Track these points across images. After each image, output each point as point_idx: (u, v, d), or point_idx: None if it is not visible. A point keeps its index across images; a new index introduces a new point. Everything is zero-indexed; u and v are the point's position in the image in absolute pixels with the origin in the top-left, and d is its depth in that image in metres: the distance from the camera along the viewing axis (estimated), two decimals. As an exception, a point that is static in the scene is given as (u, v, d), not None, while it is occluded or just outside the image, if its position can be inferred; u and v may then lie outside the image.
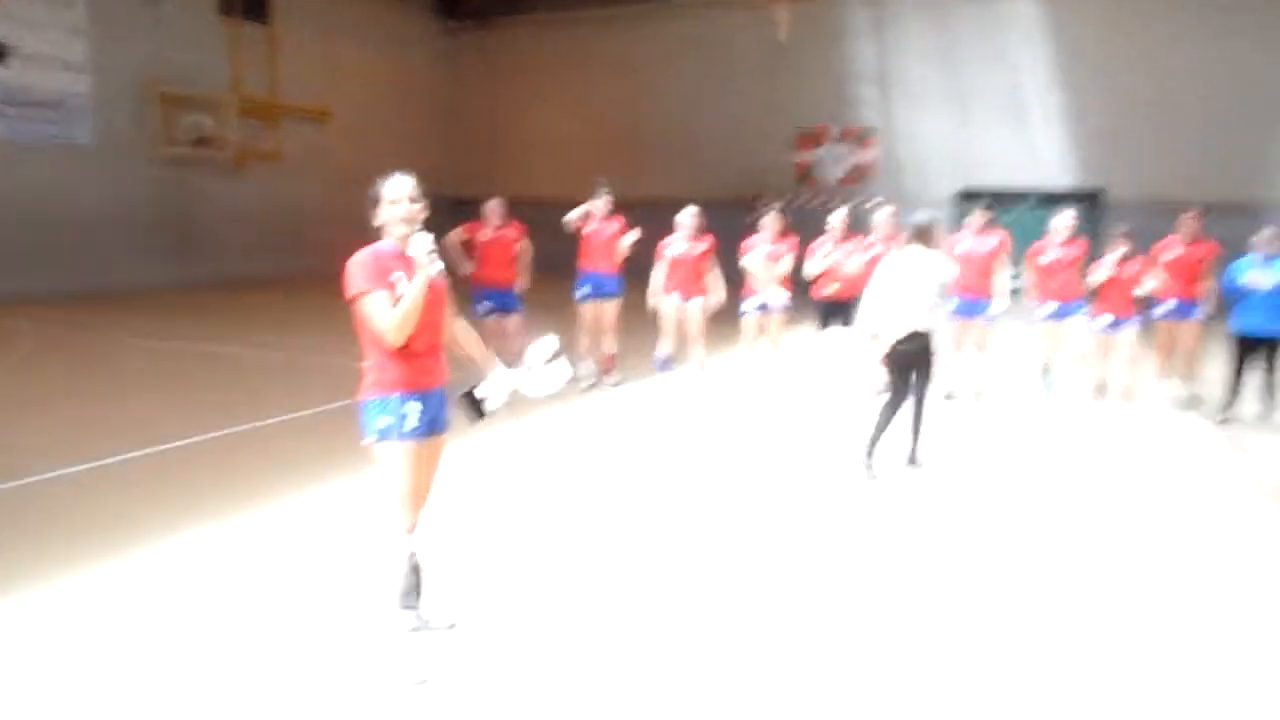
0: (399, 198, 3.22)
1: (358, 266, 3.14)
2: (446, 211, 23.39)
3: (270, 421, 6.97)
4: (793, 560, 4.44)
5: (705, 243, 8.34)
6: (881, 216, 7.86)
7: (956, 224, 13.93)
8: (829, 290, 8.17)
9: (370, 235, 3.28)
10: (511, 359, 3.61)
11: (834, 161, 20.42)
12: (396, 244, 3.22)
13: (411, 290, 3.11)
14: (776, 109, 20.22)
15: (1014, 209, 17.06)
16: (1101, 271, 7.87)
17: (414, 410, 3.20)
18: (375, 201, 3.25)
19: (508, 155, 22.89)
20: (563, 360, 3.43)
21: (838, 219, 8.25)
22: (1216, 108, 16.82)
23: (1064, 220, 8.11)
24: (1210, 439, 7.27)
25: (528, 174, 21.72)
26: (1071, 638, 3.68)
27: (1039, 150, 18.43)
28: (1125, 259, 7.85)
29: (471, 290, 8.35)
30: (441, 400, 3.30)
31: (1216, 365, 8.13)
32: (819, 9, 17.68)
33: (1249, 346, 7.58)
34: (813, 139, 20.53)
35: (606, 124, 21.74)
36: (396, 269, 3.16)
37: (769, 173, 20.25)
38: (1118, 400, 8.14)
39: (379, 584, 3.43)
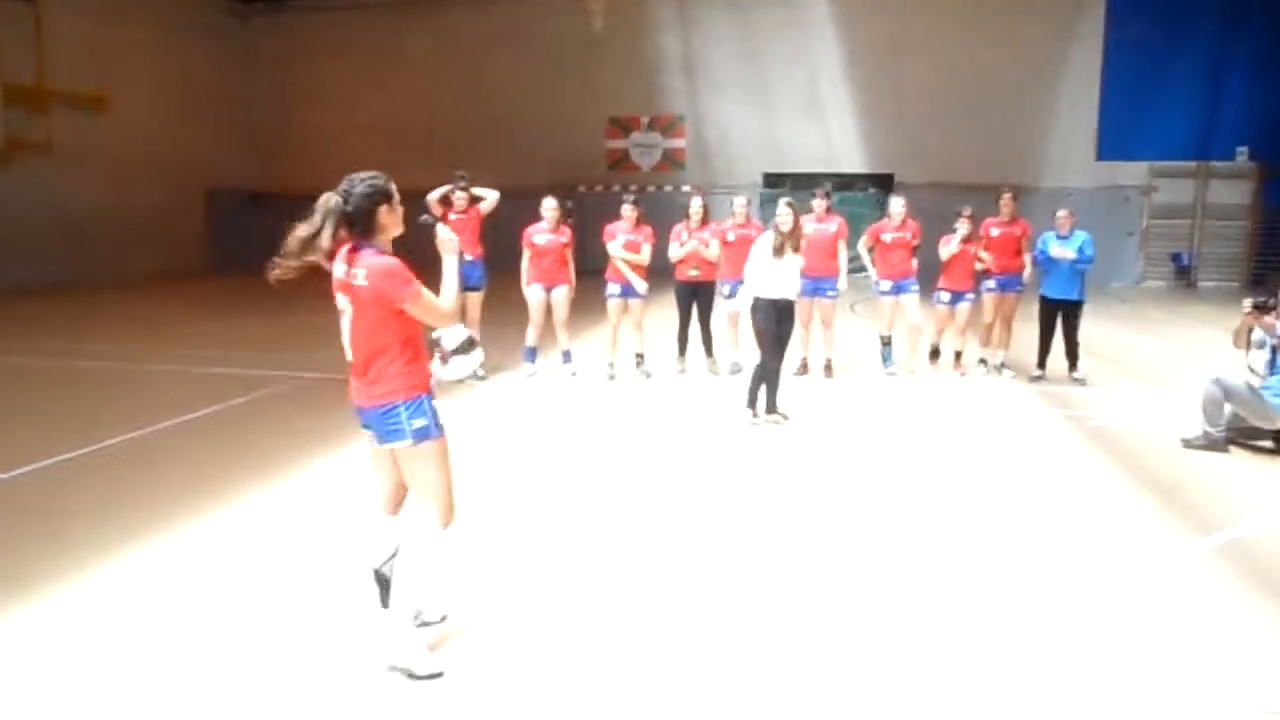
0: (398, 197, 3.19)
1: (398, 268, 3.10)
2: (238, 208, 22.20)
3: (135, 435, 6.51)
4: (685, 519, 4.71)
5: (566, 233, 8.51)
6: (740, 204, 8.41)
7: (761, 208, 14.84)
8: (691, 273, 8.59)
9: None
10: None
11: (646, 149, 20.98)
12: (382, 244, 3.18)
13: (452, 273, 3.24)
14: (588, 98, 20.52)
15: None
16: (949, 248, 8.69)
17: (436, 408, 3.24)
18: (380, 199, 3.16)
19: (306, 147, 21.89)
20: (476, 348, 3.48)
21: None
22: (990, 101, 18.71)
23: (898, 205, 8.84)
24: (1027, 394, 8.23)
25: (328, 166, 20.68)
26: (915, 588, 4.15)
27: (835, 138, 19.74)
28: (967, 238, 8.67)
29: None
30: None
31: (1029, 330, 9.14)
32: (628, 2, 18.08)
33: (1052, 310, 8.64)
34: (624, 127, 20.99)
35: (413, 112, 21.26)
36: None
37: (581, 161, 20.53)
38: (950, 367, 9.00)
39: (367, 579, 3.38)
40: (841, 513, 5.04)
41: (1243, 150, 18.56)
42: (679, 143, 20.76)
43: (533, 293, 8.54)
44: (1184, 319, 14.24)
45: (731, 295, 8.61)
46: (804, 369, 8.89)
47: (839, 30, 19.29)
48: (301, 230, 3.06)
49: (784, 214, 6.88)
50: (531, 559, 4.35)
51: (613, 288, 8.65)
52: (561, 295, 8.53)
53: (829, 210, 8.91)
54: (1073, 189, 16.72)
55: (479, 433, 6.68)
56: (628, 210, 8.62)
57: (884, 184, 19.34)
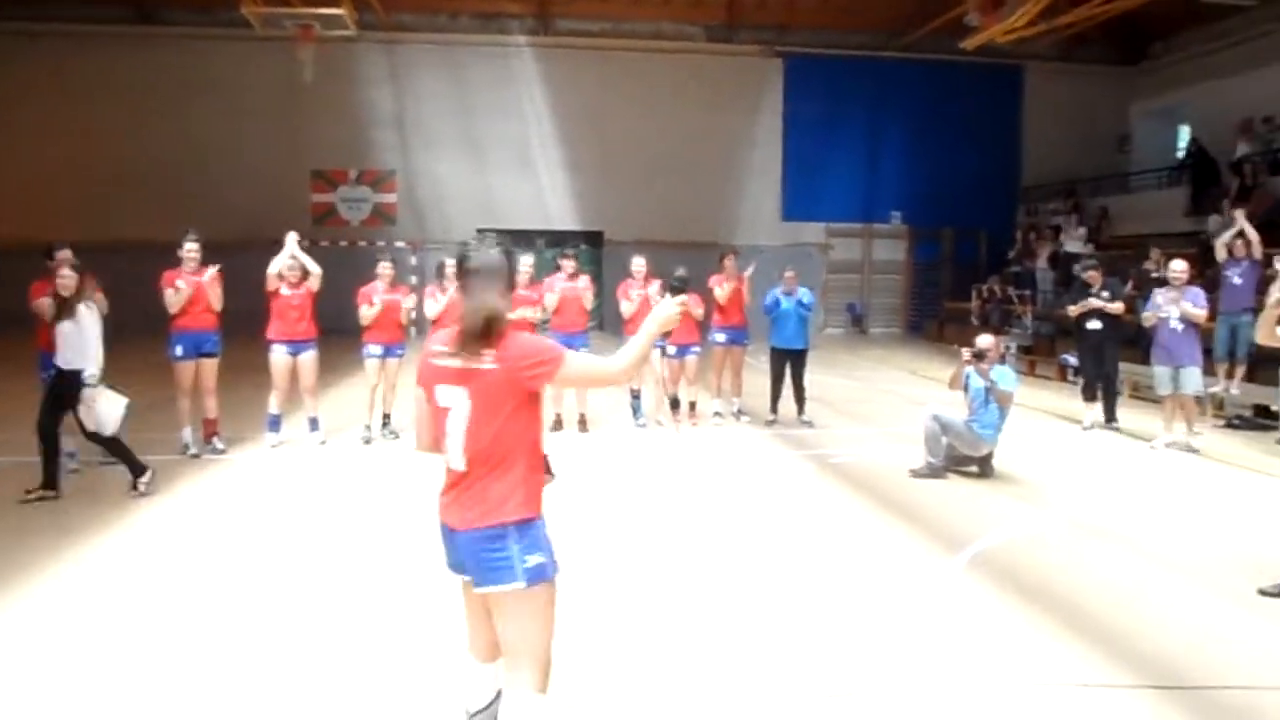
0: None
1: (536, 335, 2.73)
2: None
3: None
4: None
5: (304, 287, 8.07)
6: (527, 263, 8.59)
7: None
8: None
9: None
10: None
11: (354, 203, 20.35)
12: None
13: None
14: (293, 150, 19.60)
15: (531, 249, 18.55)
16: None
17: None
18: (509, 272, 2.66)
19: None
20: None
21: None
22: (691, 165, 20.19)
23: (639, 264, 9.30)
24: (766, 437, 8.94)
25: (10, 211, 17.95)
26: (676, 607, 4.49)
27: (547, 195, 20.29)
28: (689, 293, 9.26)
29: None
30: None
31: (760, 379, 9.92)
32: (335, 51, 17.52)
33: (781, 358, 9.49)
34: (330, 181, 20.25)
35: (103, 157, 18.95)
36: None
37: (284, 213, 19.48)
38: (685, 416, 9.54)
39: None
40: (613, 564, 5.19)
41: (896, 214, 21.44)
42: (389, 197, 20.35)
43: (276, 355, 8.00)
44: (866, 361, 16.08)
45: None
46: (558, 425, 9.03)
47: (549, 90, 19.97)
48: (487, 301, 2.52)
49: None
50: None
51: (373, 348, 8.35)
52: (309, 357, 8.07)
53: (577, 270, 9.22)
54: (763, 246, 18.34)
55: (218, 510, 6.16)
56: (384, 269, 8.39)
57: (595, 241, 20.21)
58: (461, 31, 20.00)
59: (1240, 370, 10.28)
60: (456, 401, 2.55)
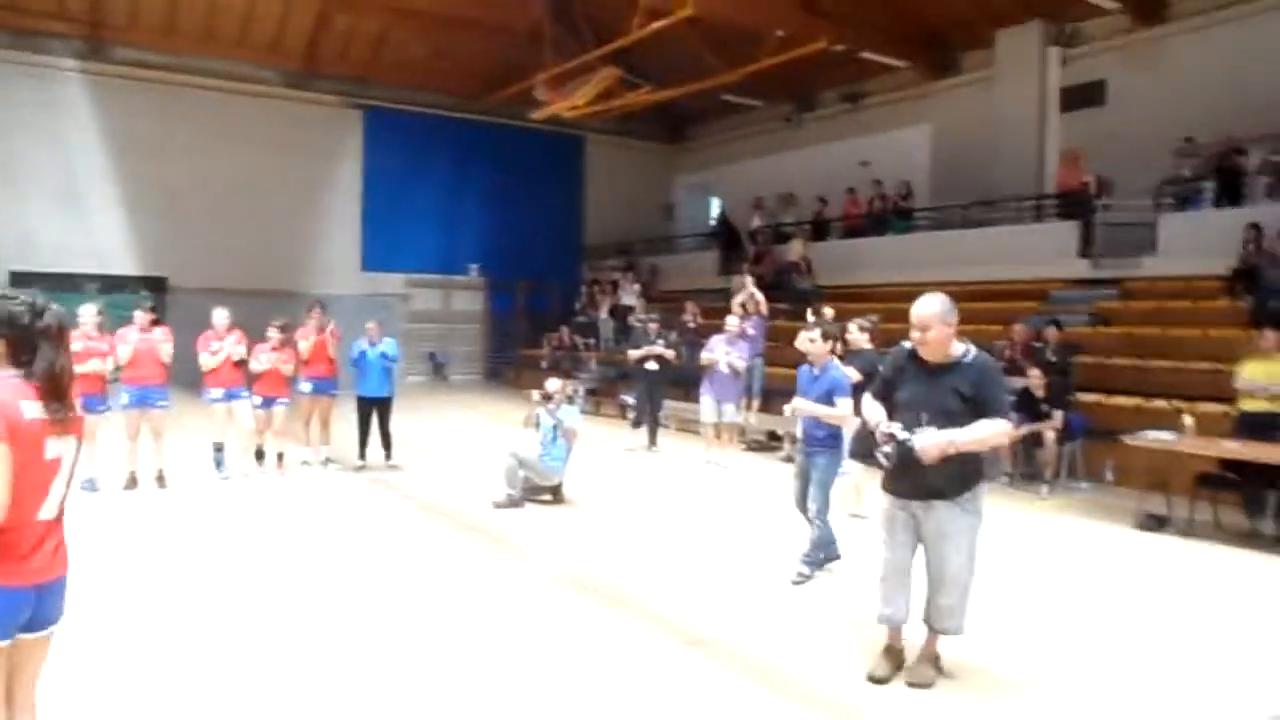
0: None
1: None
2: None
3: None
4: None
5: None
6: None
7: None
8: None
9: None
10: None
11: None
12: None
13: None
14: None
15: (78, 293, 16.86)
16: (262, 360, 9.24)
17: None
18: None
19: None
20: None
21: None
22: (265, 211, 19.61)
23: (221, 317, 9.13)
24: (359, 481, 9.25)
25: None
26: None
27: (99, 236, 18.48)
28: (278, 346, 9.34)
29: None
30: None
31: (346, 426, 10.17)
32: None
33: (367, 406, 9.89)
34: None
35: None
36: None
37: None
38: (274, 467, 9.53)
39: None
40: (200, 618, 5.37)
41: (474, 267, 22.59)
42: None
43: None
44: (448, 407, 16.83)
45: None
46: (133, 483, 8.57)
47: (100, 121, 18.31)
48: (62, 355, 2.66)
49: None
50: None
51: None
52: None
53: (155, 322, 8.92)
54: (342, 296, 18.37)
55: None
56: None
57: (157, 286, 18.76)
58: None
59: (756, 403, 12.54)
60: (66, 451, 2.69)
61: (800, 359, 6.32)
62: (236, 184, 19.31)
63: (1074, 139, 15.22)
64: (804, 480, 6.12)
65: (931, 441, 3.97)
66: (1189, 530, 7.61)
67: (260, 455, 9.61)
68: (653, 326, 12.08)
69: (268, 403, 9.40)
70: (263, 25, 18.54)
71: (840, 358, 6.51)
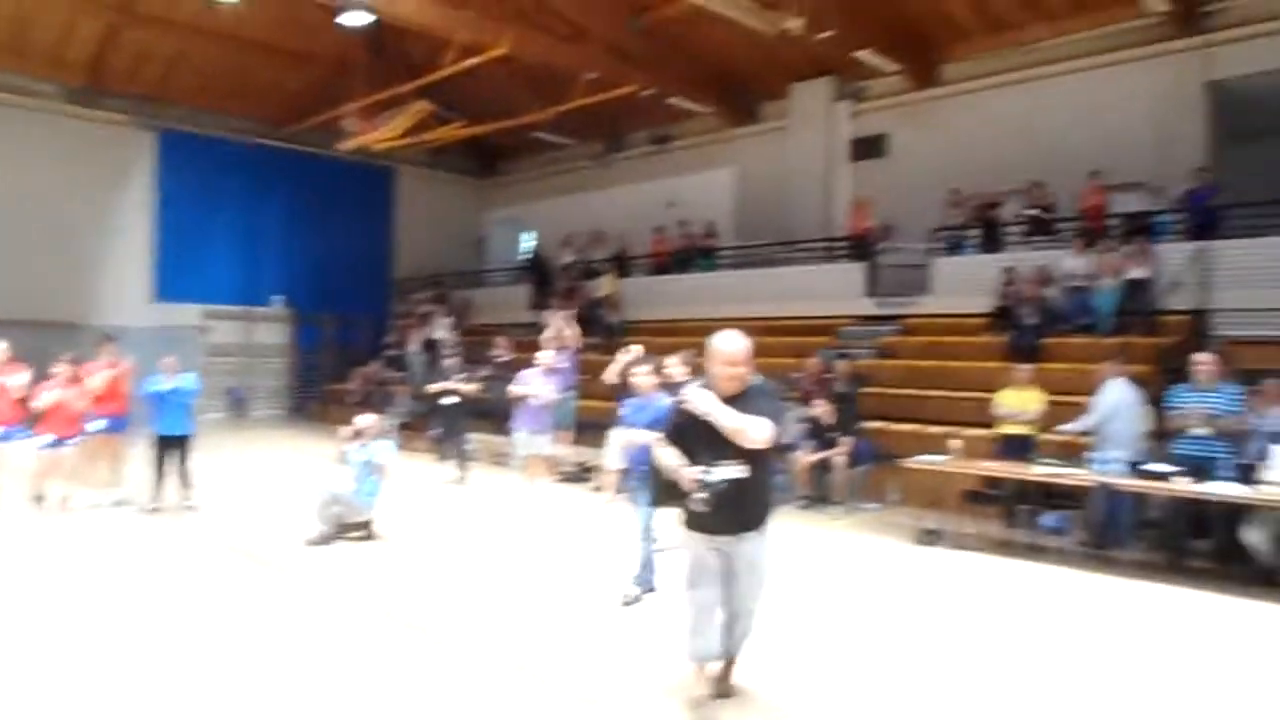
0: None
1: None
2: None
3: None
4: None
5: None
6: None
7: None
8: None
9: None
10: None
11: None
12: None
13: None
14: None
15: None
16: (49, 396, 8.64)
17: None
18: None
19: None
20: None
21: None
22: (44, 234, 18.14)
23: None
24: (149, 523, 8.79)
25: None
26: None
27: None
28: (70, 381, 8.77)
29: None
30: None
31: (139, 465, 9.63)
32: None
33: (165, 444, 9.41)
34: None
35: None
36: None
37: None
38: (58, 509, 8.91)
39: None
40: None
41: (278, 298, 21.74)
42: None
43: None
44: (252, 443, 16.12)
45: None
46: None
47: None
48: None
49: None
50: None
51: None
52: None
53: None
54: (132, 327, 17.26)
55: None
56: None
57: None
58: None
59: (569, 435, 12.77)
60: None
61: (608, 393, 6.61)
62: (11, 205, 17.81)
63: (862, 187, 16.56)
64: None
65: (703, 398, 4.21)
66: (959, 542, 8.45)
67: (40, 499, 8.96)
68: (450, 362, 12.30)
69: (56, 443, 8.81)
70: (44, 35, 17.27)
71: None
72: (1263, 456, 7.38)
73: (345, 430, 8.40)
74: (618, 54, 16.31)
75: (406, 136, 17.24)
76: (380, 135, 17.14)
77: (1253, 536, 7.29)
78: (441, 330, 19.23)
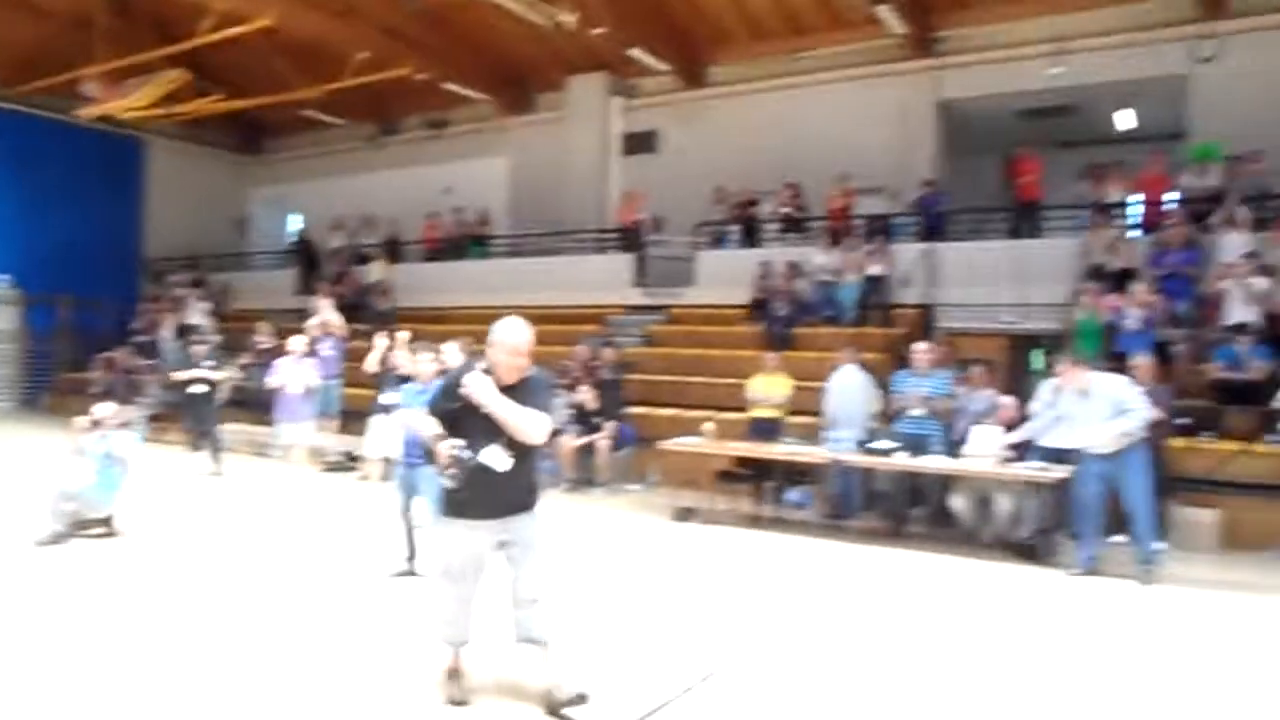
0: None
1: None
2: None
3: None
4: None
5: None
6: None
7: None
8: None
9: None
10: None
11: None
12: None
13: None
14: None
15: None
16: None
17: None
18: None
19: None
20: None
21: None
22: None
23: None
24: None
25: None
26: None
27: None
28: None
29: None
30: None
31: None
32: None
33: None
34: None
35: None
36: None
37: None
38: None
39: None
40: None
41: (5, 278, 19.59)
42: None
43: None
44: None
45: None
46: None
47: None
48: None
49: None
50: None
51: None
52: None
53: None
54: None
55: None
56: None
57: None
58: None
59: (334, 424, 12.46)
60: None
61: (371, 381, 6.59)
62: None
63: (632, 181, 17.12)
64: (408, 492, 6.52)
65: (482, 387, 4.14)
66: (712, 518, 9.04)
67: None
68: (199, 349, 11.80)
69: None
70: None
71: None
72: (966, 434, 8.42)
73: (81, 421, 7.83)
74: (392, 35, 15.98)
75: (158, 107, 16.06)
76: (127, 104, 15.88)
77: (957, 503, 8.30)
78: (197, 315, 18.16)
